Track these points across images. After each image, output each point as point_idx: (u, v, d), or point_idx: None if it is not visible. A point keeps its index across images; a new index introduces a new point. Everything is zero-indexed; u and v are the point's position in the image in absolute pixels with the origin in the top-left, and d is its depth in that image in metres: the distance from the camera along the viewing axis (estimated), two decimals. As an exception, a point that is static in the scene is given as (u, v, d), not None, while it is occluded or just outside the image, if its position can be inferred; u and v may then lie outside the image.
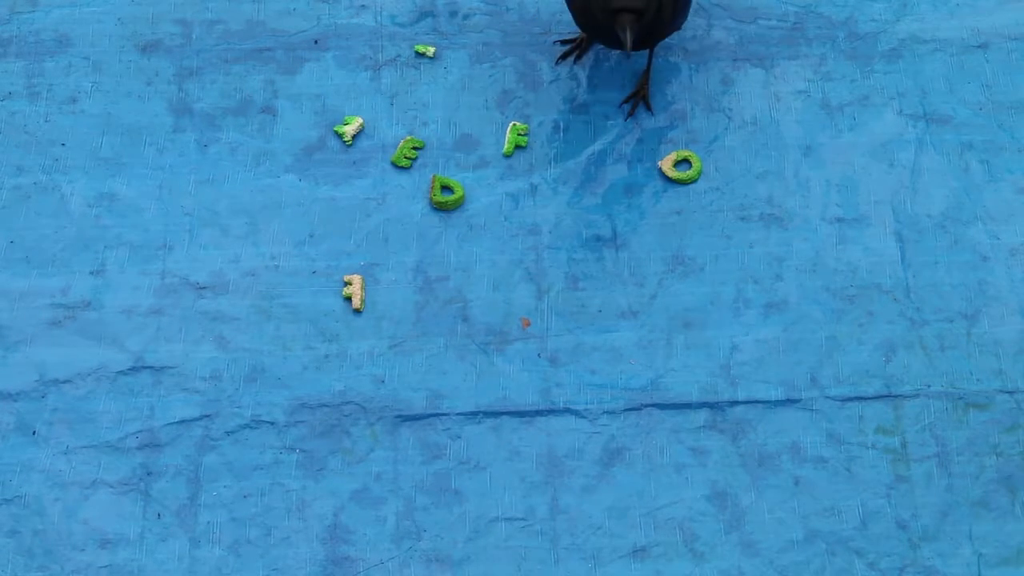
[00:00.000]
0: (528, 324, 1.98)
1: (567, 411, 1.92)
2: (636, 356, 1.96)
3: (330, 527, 1.83)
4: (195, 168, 2.13)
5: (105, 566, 1.81)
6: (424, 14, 2.30)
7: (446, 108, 2.19)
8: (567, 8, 2.20)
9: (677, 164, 2.12)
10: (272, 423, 1.91)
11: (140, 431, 1.90)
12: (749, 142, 2.15)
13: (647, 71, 2.19)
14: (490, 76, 2.22)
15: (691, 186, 2.11)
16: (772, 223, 2.07)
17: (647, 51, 2.20)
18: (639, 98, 2.19)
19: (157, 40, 2.26)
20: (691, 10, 2.26)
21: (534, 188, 2.11)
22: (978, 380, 1.94)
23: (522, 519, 1.84)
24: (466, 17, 2.29)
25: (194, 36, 2.27)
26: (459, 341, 1.97)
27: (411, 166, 2.13)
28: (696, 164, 2.10)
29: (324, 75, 2.23)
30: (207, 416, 1.91)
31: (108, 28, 2.28)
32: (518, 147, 2.15)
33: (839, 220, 2.07)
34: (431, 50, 2.25)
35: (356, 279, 2.01)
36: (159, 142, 2.16)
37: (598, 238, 2.06)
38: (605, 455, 1.88)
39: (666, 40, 2.23)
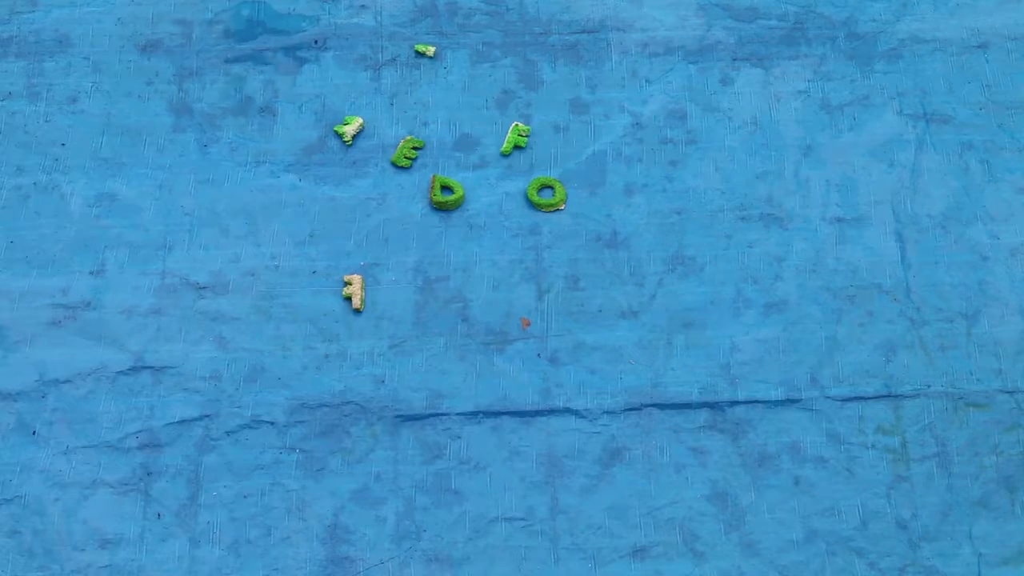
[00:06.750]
0: (528, 324, 1.98)
1: (567, 411, 1.92)
2: (636, 356, 1.96)
3: (330, 527, 1.83)
4: (195, 168, 2.13)
5: (105, 566, 1.81)
6: (424, 14, 2.30)
7: (446, 108, 2.19)
8: None
9: (540, 190, 2.10)
10: (272, 423, 1.91)
11: (140, 431, 1.90)
12: (749, 142, 2.15)
13: None
14: (490, 76, 2.22)
15: (691, 186, 2.10)
16: (772, 223, 2.07)
17: None
18: None
19: (157, 40, 2.26)
20: (691, 10, 2.26)
21: (534, 188, 2.11)
22: (978, 380, 1.94)
23: (522, 519, 1.84)
24: (466, 17, 2.29)
25: (194, 36, 2.27)
26: (459, 341, 1.97)
27: (411, 166, 2.13)
28: (559, 192, 2.08)
29: (324, 75, 2.22)
30: (207, 416, 1.91)
31: (108, 28, 2.28)
32: (517, 147, 2.15)
33: (839, 220, 2.07)
34: (431, 50, 2.25)
35: (356, 279, 2.01)
36: (159, 142, 2.16)
37: (598, 238, 2.06)
38: (605, 455, 1.88)
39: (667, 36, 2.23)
